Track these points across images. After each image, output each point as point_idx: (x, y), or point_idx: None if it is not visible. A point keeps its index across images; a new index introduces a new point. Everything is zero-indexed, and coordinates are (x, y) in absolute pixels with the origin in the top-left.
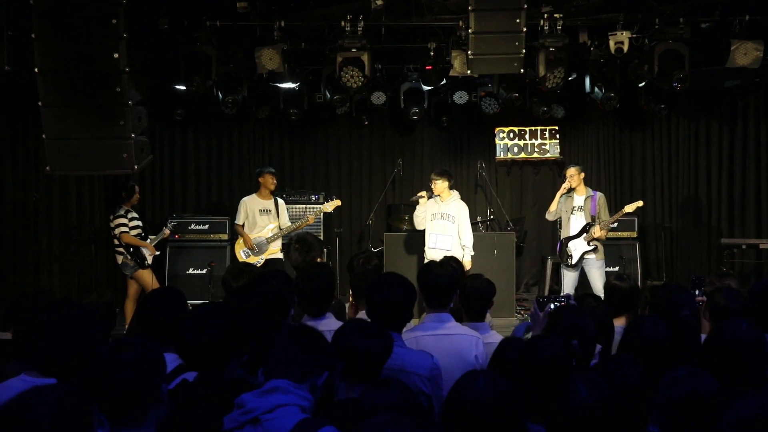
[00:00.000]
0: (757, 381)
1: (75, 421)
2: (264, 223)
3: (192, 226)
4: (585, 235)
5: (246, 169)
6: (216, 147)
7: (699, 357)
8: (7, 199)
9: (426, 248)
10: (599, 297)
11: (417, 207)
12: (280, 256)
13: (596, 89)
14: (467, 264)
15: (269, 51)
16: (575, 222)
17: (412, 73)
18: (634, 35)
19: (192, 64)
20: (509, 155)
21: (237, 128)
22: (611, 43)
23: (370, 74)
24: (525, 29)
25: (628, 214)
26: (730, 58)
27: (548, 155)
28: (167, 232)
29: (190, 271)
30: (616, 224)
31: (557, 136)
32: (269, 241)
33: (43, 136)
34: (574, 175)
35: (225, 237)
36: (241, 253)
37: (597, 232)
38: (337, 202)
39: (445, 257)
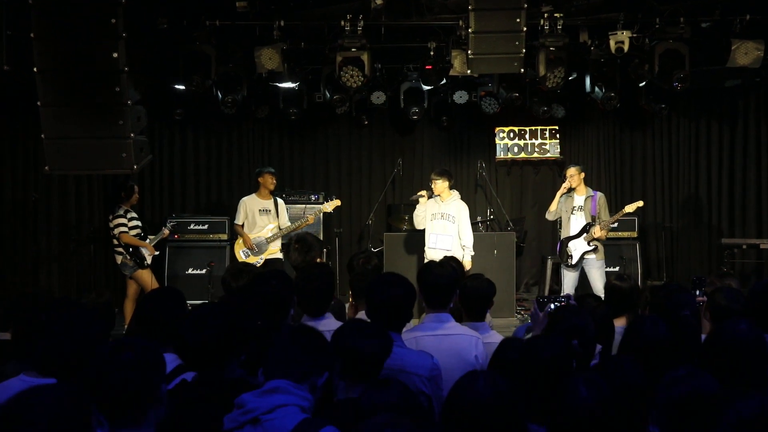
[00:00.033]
0: (757, 381)
1: (73, 420)
2: (263, 223)
3: (191, 226)
4: (585, 235)
5: (245, 168)
6: (215, 147)
7: (699, 357)
8: (6, 199)
9: (426, 248)
10: (599, 297)
11: (417, 206)
12: (280, 256)
13: (596, 89)
14: (467, 264)
15: (269, 50)
16: (575, 222)
17: (412, 73)
18: (635, 35)
19: (191, 64)
20: (509, 155)
21: (236, 128)
22: (611, 43)
23: (370, 74)
24: (525, 29)
25: (629, 214)
26: (731, 58)
27: (548, 155)
28: (166, 232)
29: (190, 271)
30: (616, 224)
31: (557, 135)
32: (269, 241)
33: (42, 135)
34: (574, 175)
35: (224, 237)
36: (241, 253)
37: (597, 232)
38: (337, 202)
39: (445, 257)
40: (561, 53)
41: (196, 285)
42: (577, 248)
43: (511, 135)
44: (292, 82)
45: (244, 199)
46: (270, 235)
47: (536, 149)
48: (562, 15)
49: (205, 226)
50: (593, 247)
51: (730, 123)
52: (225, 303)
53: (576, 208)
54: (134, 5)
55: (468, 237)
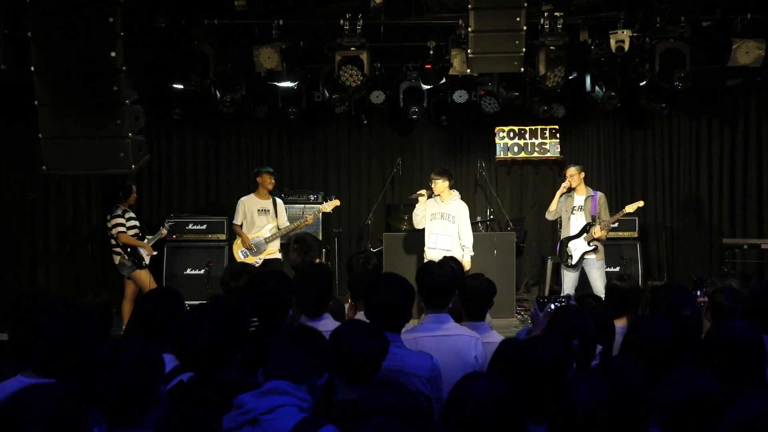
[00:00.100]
0: (754, 380)
1: (70, 419)
2: (262, 223)
3: (190, 226)
4: (585, 235)
5: (244, 168)
6: (214, 146)
7: (698, 357)
8: (4, 199)
9: (426, 248)
10: (600, 297)
11: (416, 206)
12: (279, 256)
13: (597, 88)
14: (466, 264)
15: (267, 50)
16: (575, 222)
17: (411, 72)
18: (635, 34)
19: (190, 63)
20: (509, 155)
21: (235, 127)
22: (612, 42)
23: (369, 73)
24: (525, 28)
25: (629, 214)
26: (732, 57)
27: (548, 155)
28: (164, 232)
29: (188, 271)
30: (616, 224)
31: (557, 135)
32: (267, 241)
33: (40, 135)
34: (574, 175)
35: (223, 237)
36: (239, 254)
37: (597, 232)
38: (336, 202)
39: (445, 257)
40: (561, 52)
41: (194, 285)
42: (577, 248)
43: (511, 134)
44: (291, 81)
45: (243, 199)
46: (269, 235)
47: (536, 149)
48: (562, 14)
49: (204, 226)
50: (593, 247)
51: (731, 122)
52: (222, 303)
53: (576, 208)
54: (132, 4)
55: (468, 237)
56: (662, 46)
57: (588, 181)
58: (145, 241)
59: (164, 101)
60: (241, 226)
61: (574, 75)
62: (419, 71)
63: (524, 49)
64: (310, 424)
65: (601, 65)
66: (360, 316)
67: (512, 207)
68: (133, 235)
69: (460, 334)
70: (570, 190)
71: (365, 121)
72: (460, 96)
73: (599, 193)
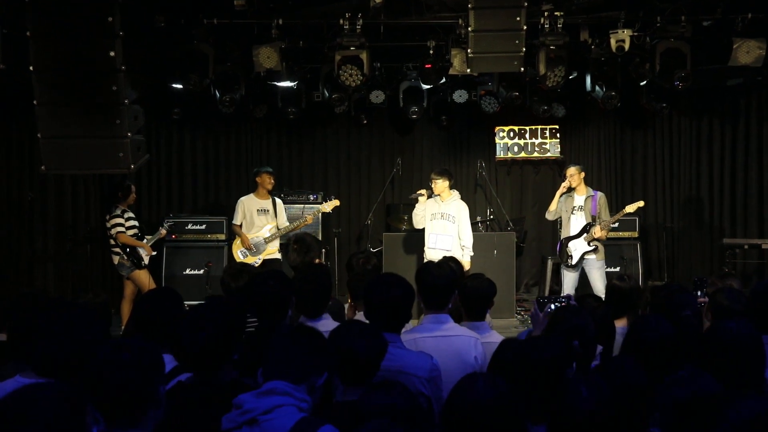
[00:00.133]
0: (752, 380)
1: (69, 417)
2: (262, 223)
3: (189, 226)
4: (585, 235)
5: (243, 168)
6: (213, 146)
7: (695, 357)
8: (2, 199)
9: (426, 248)
10: (600, 297)
11: (416, 205)
12: (278, 256)
13: (597, 88)
14: (466, 264)
15: (267, 49)
16: (575, 222)
17: (411, 72)
18: (636, 33)
19: (189, 63)
20: (509, 154)
21: (234, 127)
22: (612, 42)
23: (369, 73)
24: (525, 27)
25: (629, 214)
26: (733, 57)
27: (549, 154)
28: (163, 232)
29: (187, 271)
30: (617, 224)
31: (558, 135)
32: (267, 241)
33: (39, 135)
34: (574, 175)
35: (222, 237)
36: (239, 254)
37: (597, 232)
38: (336, 202)
39: (444, 257)
40: (561, 52)
41: (193, 285)
42: (577, 248)
43: (511, 134)
44: (291, 81)
45: (242, 199)
46: (268, 235)
47: (536, 149)
48: (562, 13)
49: (203, 226)
50: (593, 247)
51: (732, 122)
52: (221, 303)
53: (576, 208)
54: (131, 4)
55: (468, 237)
56: (663, 46)
57: (588, 181)
58: (145, 241)
59: (163, 101)
60: (241, 226)
61: (575, 75)
62: (419, 71)
63: (524, 49)
64: (309, 424)
65: (602, 65)
66: (360, 316)
67: (512, 207)
68: (132, 235)
69: (459, 334)
70: (570, 190)
71: (365, 121)
72: (460, 96)
73: (599, 193)
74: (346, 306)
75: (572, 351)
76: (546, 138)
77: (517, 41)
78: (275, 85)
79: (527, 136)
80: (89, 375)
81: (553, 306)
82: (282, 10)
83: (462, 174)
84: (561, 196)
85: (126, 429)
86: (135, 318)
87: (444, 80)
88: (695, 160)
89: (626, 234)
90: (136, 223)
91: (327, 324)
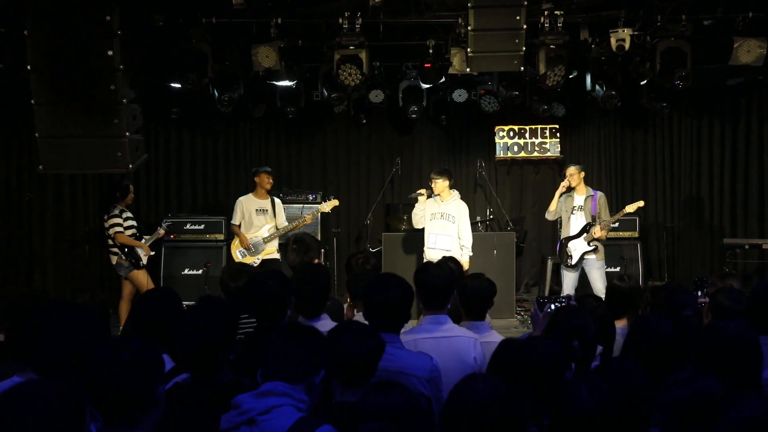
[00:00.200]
0: (749, 380)
1: (67, 413)
2: (260, 223)
3: (187, 226)
4: (585, 235)
5: (242, 168)
6: (212, 146)
7: (695, 358)
8: (0, 199)
9: (425, 248)
10: (600, 298)
11: (416, 205)
12: (277, 256)
13: (597, 87)
14: (465, 264)
15: (266, 48)
16: (575, 222)
17: (410, 71)
18: (636, 32)
19: (187, 62)
20: (509, 154)
21: (233, 127)
22: (612, 41)
23: (368, 72)
24: (525, 26)
25: (629, 213)
26: (733, 56)
27: (549, 154)
28: (162, 232)
29: (186, 271)
30: (617, 224)
31: (558, 134)
32: (266, 241)
33: (36, 134)
34: (574, 174)
35: (221, 237)
36: (237, 254)
37: (597, 232)
38: (335, 202)
39: (444, 257)
40: (561, 51)
41: (192, 285)
42: (576, 248)
43: (511, 134)
44: (290, 80)
45: (241, 198)
46: (267, 235)
47: (536, 148)
48: (562, 12)
49: (202, 226)
50: (593, 247)
51: (732, 122)
52: (218, 303)
53: (576, 208)
54: (129, 2)
55: (467, 237)
56: (663, 45)
57: (588, 181)
58: (143, 241)
59: (162, 100)
60: (239, 226)
61: (575, 74)
62: (418, 70)
63: (524, 48)
64: (308, 423)
65: (602, 64)
66: (359, 316)
67: (512, 207)
68: (130, 235)
69: (459, 335)
70: (570, 189)
71: (364, 121)
72: (459, 95)
73: (599, 193)
74: (346, 306)
75: (572, 351)
76: (546, 137)
77: (516, 40)
78: (274, 84)
79: (527, 135)
80: (88, 375)
81: (553, 306)
82: (281, 9)
83: (462, 174)
84: (561, 196)
85: (125, 429)
86: (133, 318)
87: (443, 79)
88: (695, 159)
89: (626, 234)
90: (134, 223)
91: (325, 324)
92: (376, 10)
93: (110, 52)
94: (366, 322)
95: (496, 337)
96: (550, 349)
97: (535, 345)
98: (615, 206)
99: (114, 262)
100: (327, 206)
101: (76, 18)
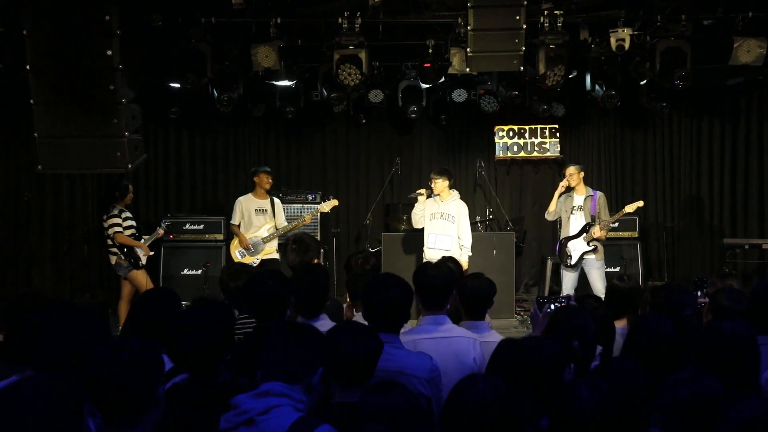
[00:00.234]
0: (747, 380)
1: (66, 408)
2: (260, 223)
3: (187, 226)
4: (585, 235)
5: (242, 168)
6: (211, 146)
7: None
8: None
9: (425, 248)
10: (600, 298)
11: (416, 205)
12: (277, 256)
13: (597, 87)
14: (464, 264)
15: (265, 48)
16: (575, 222)
17: (410, 71)
18: (636, 32)
19: (186, 62)
20: (509, 154)
21: (232, 126)
22: (612, 41)
23: (368, 72)
24: (525, 26)
25: (629, 213)
26: (733, 56)
27: (548, 154)
28: (161, 232)
29: (185, 271)
30: (616, 224)
31: (557, 134)
32: (265, 241)
33: (35, 134)
34: (573, 174)
35: (220, 237)
36: (237, 254)
37: (597, 232)
38: (334, 202)
39: (443, 258)
40: (561, 51)
41: (191, 286)
42: (576, 248)
43: (511, 134)
44: (289, 80)
45: (240, 198)
46: (266, 235)
47: (536, 148)
48: (562, 12)
49: (201, 226)
50: (593, 247)
51: (732, 122)
52: (213, 303)
53: (576, 208)
54: (129, 2)
55: (467, 237)
56: (663, 45)
57: (588, 181)
58: (142, 241)
59: (161, 100)
60: (239, 226)
61: (574, 74)
62: (418, 70)
63: (524, 48)
64: (307, 423)
65: (602, 64)
66: (359, 316)
67: (512, 207)
68: (129, 235)
69: (458, 335)
70: (569, 189)
71: (364, 121)
72: (459, 95)
73: (599, 193)
74: (345, 306)
75: (572, 351)
76: (546, 137)
77: (516, 40)
78: (273, 84)
79: (527, 135)
80: (88, 375)
81: (552, 306)
82: (280, 9)
83: (461, 174)
84: (560, 196)
85: (125, 429)
86: (132, 318)
87: (443, 79)
88: (695, 159)
89: (626, 234)
90: (133, 223)
91: (324, 324)
92: (375, 9)
93: (109, 52)
94: (365, 323)
95: (495, 337)
96: (549, 349)
97: (535, 345)
98: (615, 206)
99: (113, 262)
100: (326, 206)
101: (76, 18)
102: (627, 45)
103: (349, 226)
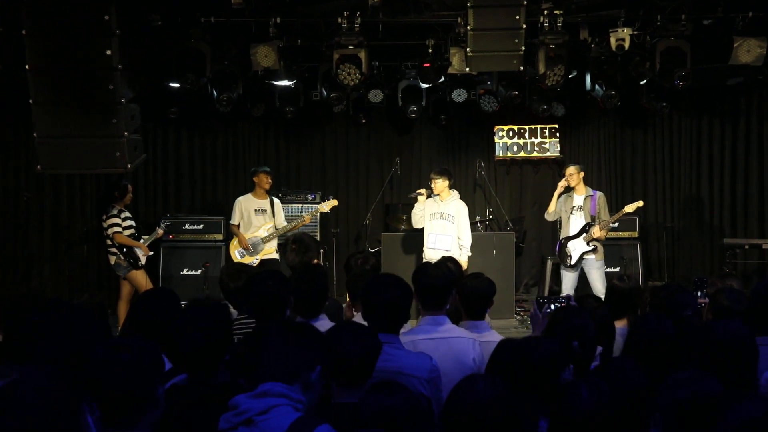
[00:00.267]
0: (745, 380)
1: (62, 403)
2: (259, 223)
3: (186, 226)
4: (584, 235)
5: (241, 168)
6: (210, 145)
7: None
8: None
9: (425, 248)
10: (600, 298)
11: (415, 205)
12: (276, 256)
13: (597, 87)
14: (463, 264)
15: (265, 48)
16: (575, 222)
17: (410, 71)
18: (636, 32)
19: (186, 61)
20: (509, 154)
21: (232, 126)
22: (612, 40)
23: (368, 72)
24: (525, 26)
25: (629, 213)
26: (733, 56)
27: (548, 154)
28: (161, 232)
29: (185, 271)
30: (616, 224)
31: (557, 134)
32: (265, 241)
33: (34, 134)
34: (573, 174)
35: (220, 237)
36: (236, 254)
37: (597, 232)
38: (334, 202)
39: (442, 258)
40: (561, 51)
41: (190, 286)
42: (576, 248)
43: (511, 134)
44: (289, 80)
45: (240, 198)
46: (266, 235)
47: (536, 148)
48: (562, 12)
49: (200, 226)
50: (592, 247)
51: (732, 121)
52: (211, 304)
53: (575, 208)
54: (128, 2)
55: (467, 237)
56: (663, 45)
57: (588, 181)
58: (141, 241)
59: (160, 100)
60: (238, 226)
61: (574, 74)
62: (418, 70)
63: (524, 48)
64: (306, 423)
65: (602, 64)
66: (358, 316)
67: (512, 207)
68: (129, 235)
69: (457, 336)
70: (569, 189)
71: (363, 120)
72: (459, 95)
73: (599, 193)
74: (345, 306)
75: (572, 351)
76: (545, 137)
77: (516, 40)
78: (273, 84)
79: (527, 135)
80: (88, 375)
81: (552, 306)
82: (280, 9)
83: (461, 173)
84: (560, 196)
85: (125, 429)
86: (132, 319)
87: (443, 79)
88: (695, 159)
89: (626, 234)
90: (132, 223)
91: (324, 324)
92: (375, 9)
93: (108, 52)
94: (365, 323)
95: (495, 337)
96: (549, 349)
97: (535, 345)
98: (614, 206)
99: (112, 263)
100: (326, 206)
101: (75, 18)
102: (627, 45)
103: (349, 226)
